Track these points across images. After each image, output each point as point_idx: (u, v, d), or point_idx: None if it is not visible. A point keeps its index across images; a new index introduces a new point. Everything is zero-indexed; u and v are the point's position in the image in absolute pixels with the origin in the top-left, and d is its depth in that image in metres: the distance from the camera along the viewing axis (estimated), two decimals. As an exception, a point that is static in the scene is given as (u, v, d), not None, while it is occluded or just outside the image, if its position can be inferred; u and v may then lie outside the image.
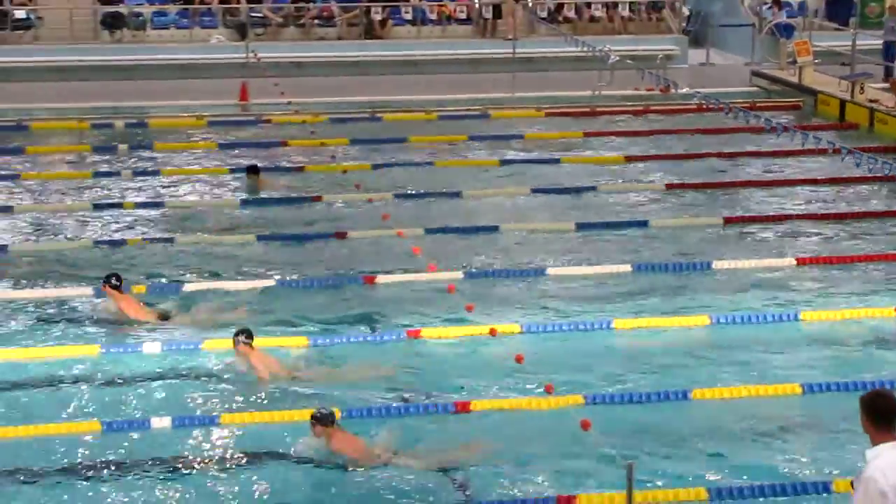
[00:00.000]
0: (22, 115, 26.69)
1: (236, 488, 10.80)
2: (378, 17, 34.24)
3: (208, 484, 10.88)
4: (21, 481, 10.82)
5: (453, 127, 25.86)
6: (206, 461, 11.28)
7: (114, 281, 14.68)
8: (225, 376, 13.03)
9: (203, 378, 13.05)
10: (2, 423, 11.98)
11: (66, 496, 10.61)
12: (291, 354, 13.70)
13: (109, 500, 10.56)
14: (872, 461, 7.25)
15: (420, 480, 10.86)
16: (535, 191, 20.91)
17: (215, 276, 16.52)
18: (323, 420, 11.23)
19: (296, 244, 18.05)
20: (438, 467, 11.11)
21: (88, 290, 15.60)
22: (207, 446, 11.59)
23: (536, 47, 32.95)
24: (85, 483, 10.83)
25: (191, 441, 11.67)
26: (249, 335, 13.10)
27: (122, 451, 11.36)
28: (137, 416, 12.05)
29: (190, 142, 24.70)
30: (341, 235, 18.24)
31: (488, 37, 34.40)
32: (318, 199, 20.37)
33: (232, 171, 22.21)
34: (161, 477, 10.95)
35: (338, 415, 11.52)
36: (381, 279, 16.24)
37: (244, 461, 11.30)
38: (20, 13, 35.95)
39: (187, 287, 15.88)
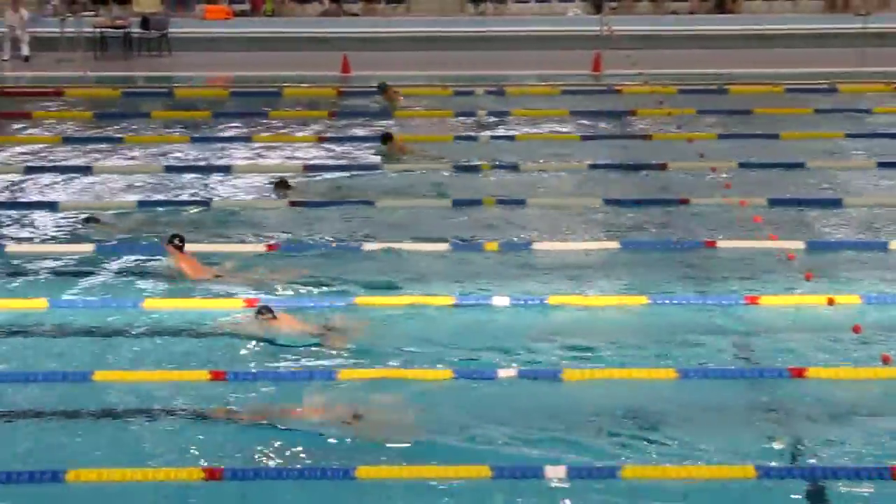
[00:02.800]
0: (392, 81, 27.46)
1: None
2: (729, -8, 33.53)
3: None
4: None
5: (799, 100, 25.08)
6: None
7: (176, 241, 14.51)
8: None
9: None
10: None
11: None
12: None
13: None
14: None
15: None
16: (881, 165, 20.05)
17: (561, 237, 16.57)
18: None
19: (641, 208, 17.92)
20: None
21: (444, 246, 15.91)
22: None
23: (890, 22, 31.53)
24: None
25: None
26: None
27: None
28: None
29: (544, 109, 24.85)
30: (684, 202, 17.99)
31: (839, 11, 33.14)
32: (664, 167, 20.15)
33: (583, 138, 22.29)
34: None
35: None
36: (722, 244, 15.93)
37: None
38: (395, -13, 37.03)
39: (537, 245, 15.96)
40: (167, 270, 14.71)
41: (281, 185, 18.65)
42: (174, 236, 14.54)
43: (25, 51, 30.60)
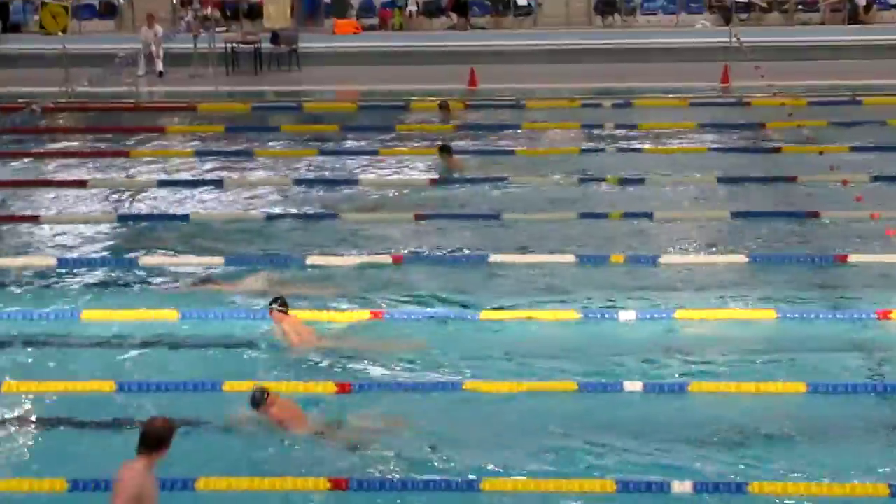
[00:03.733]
0: (519, 94, 27.53)
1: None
2: (862, 3, 32.93)
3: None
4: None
5: (934, 112, 24.56)
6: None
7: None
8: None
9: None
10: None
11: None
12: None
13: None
14: None
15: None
16: None
17: (689, 250, 16.43)
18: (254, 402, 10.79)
19: (770, 221, 17.67)
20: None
21: (570, 258, 15.88)
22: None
23: None
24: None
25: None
26: (284, 303, 12.88)
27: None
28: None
29: (672, 122, 24.68)
30: (815, 215, 17.70)
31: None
32: (793, 179, 19.87)
33: (711, 150, 22.13)
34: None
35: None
36: (853, 258, 15.65)
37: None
38: (522, 0, 37.08)
39: (664, 259, 15.83)
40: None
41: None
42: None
43: (160, 66, 31.28)
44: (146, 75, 30.77)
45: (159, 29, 31.93)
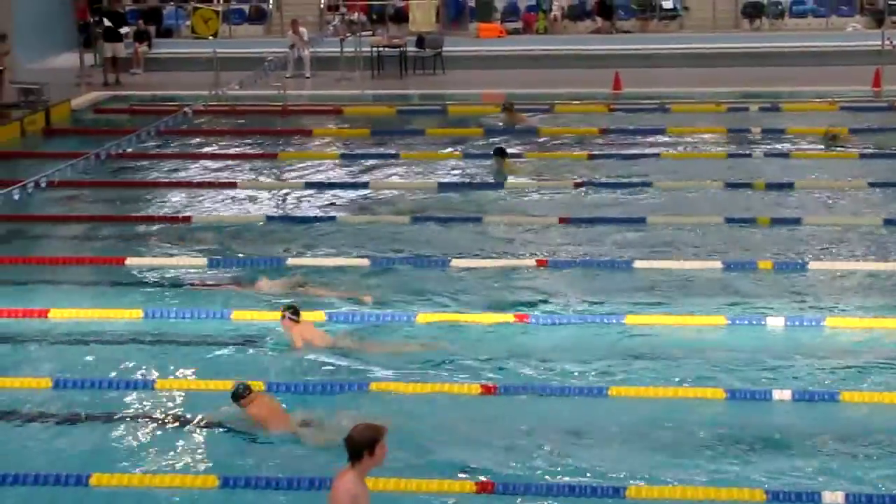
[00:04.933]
0: (665, 98, 27.29)
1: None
2: None
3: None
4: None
5: None
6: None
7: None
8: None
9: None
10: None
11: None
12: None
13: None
14: None
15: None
16: None
17: (839, 257, 16.13)
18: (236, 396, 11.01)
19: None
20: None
21: (717, 264, 15.69)
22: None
23: None
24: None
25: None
26: (295, 311, 12.96)
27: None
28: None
29: (821, 127, 24.22)
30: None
31: None
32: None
33: (862, 156, 21.72)
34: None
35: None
36: None
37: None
38: (668, 4, 36.77)
39: (813, 265, 15.56)
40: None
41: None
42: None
43: (307, 70, 31.68)
44: (294, 78, 31.17)
45: (304, 31, 32.32)
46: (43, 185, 14.63)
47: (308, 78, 31.44)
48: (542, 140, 23.93)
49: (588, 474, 10.28)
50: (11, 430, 11.28)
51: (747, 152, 22.39)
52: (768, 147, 22.70)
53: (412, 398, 11.78)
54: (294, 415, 11.27)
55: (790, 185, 19.77)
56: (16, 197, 14.05)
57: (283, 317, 13.07)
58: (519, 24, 38.38)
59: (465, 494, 9.95)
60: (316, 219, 18.45)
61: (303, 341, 12.93)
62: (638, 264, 15.75)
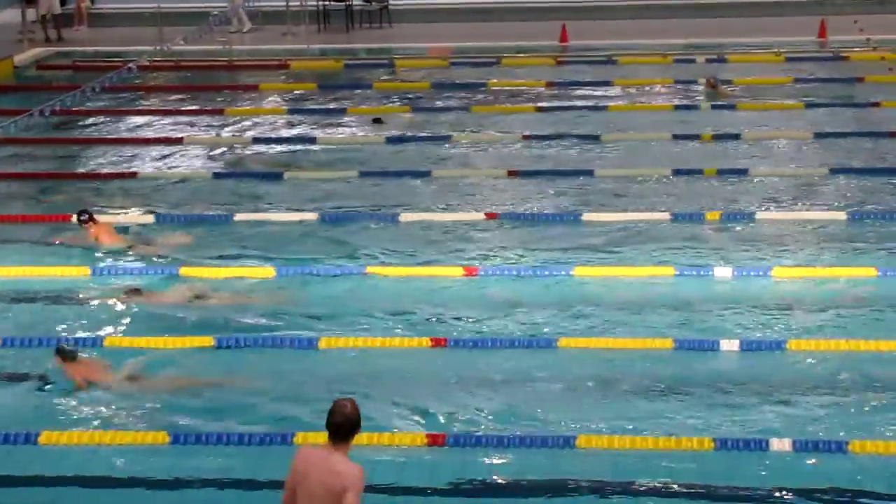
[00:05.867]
0: (612, 50, 27.29)
1: None
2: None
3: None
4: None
5: None
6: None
7: (83, 216, 15.03)
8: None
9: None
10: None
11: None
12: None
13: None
14: None
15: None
16: None
17: (785, 207, 16.25)
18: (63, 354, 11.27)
19: (867, 177, 17.41)
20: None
21: (665, 216, 15.77)
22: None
23: None
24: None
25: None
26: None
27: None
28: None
29: (767, 77, 24.32)
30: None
31: None
32: (894, 135, 19.55)
33: (807, 106, 21.82)
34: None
35: None
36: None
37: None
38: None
39: (760, 216, 15.69)
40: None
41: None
42: (81, 212, 15.09)
43: (245, 24, 31.05)
44: (237, 33, 30.84)
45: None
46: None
47: (245, 33, 31.02)
48: (491, 93, 23.87)
49: (538, 425, 10.35)
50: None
51: (694, 104, 22.45)
52: (713, 99, 22.75)
53: (362, 352, 11.79)
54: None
55: (737, 136, 19.86)
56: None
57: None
58: (465, -23, 38.12)
59: (417, 447, 10.00)
60: (263, 175, 18.35)
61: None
62: (586, 216, 15.81)
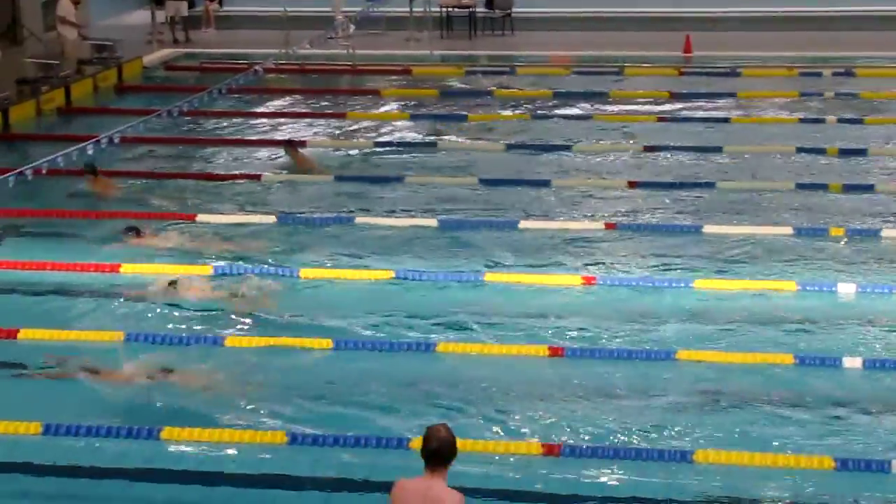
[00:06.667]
0: (736, 61, 27.00)
1: None
2: None
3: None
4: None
5: None
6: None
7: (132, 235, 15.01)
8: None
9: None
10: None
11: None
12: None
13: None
14: None
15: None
16: None
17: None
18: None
19: None
20: None
21: (788, 230, 15.55)
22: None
23: None
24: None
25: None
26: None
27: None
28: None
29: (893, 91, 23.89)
30: None
31: None
32: None
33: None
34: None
35: None
36: None
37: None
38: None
39: (886, 232, 15.40)
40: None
41: (290, 144, 19.55)
42: (128, 229, 15.13)
43: (342, 31, 30.75)
44: (337, 38, 30.78)
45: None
46: (116, 140, 14.74)
47: (342, 38, 30.60)
48: (614, 102, 23.75)
49: (655, 438, 10.26)
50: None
51: (820, 118, 22.10)
52: (842, 113, 22.37)
53: (479, 358, 11.80)
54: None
55: (863, 152, 19.51)
56: (90, 152, 14.18)
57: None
58: (590, -14, 38.00)
59: (532, 456, 9.96)
60: (385, 178, 18.45)
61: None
62: (707, 229, 15.64)
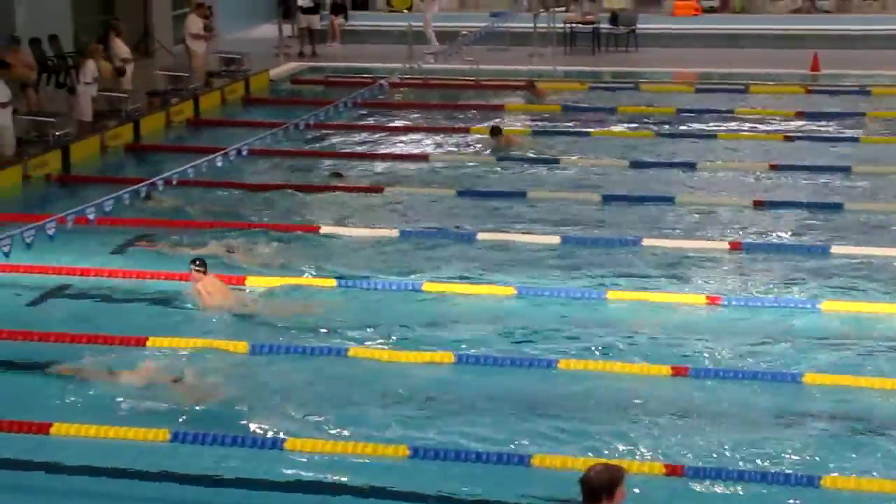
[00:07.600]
0: (865, 80, 26.53)
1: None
2: None
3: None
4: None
5: None
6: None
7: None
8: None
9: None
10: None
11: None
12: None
13: None
14: None
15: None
16: None
17: None
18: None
19: None
20: None
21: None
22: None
23: None
24: None
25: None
26: (202, 263, 13.40)
27: None
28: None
29: None
30: None
31: None
32: None
33: None
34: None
35: None
36: None
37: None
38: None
39: None
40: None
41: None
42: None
43: (432, 44, 30.58)
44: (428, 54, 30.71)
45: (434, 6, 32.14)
46: (244, 152, 14.89)
47: (430, 54, 30.40)
48: (738, 120, 23.46)
49: (780, 461, 10.06)
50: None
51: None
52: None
53: (600, 376, 11.69)
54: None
55: None
56: (218, 163, 14.34)
57: (191, 270, 13.48)
58: (715, 2, 37.67)
59: (654, 476, 9.82)
60: (507, 194, 18.41)
61: (208, 295, 13.34)
62: (835, 249, 15.35)
